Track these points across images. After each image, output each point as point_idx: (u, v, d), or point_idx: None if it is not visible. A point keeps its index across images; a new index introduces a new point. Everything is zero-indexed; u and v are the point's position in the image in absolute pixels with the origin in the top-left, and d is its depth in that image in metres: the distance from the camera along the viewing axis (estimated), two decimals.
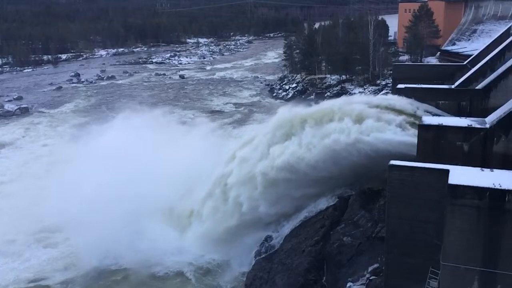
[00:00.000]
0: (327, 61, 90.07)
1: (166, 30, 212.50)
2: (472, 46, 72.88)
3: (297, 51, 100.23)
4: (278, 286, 28.49)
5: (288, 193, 32.47)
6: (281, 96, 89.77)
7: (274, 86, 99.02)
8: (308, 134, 31.43)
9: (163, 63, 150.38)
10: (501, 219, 16.12)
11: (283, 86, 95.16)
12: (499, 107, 22.53)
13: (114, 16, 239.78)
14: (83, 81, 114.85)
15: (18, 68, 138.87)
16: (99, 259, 33.91)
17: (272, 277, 29.50)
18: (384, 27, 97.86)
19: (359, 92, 74.50)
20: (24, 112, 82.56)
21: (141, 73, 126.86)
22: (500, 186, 16.12)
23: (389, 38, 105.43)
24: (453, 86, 30.96)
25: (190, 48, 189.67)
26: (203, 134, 50.70)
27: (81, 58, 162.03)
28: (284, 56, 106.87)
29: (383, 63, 78.96)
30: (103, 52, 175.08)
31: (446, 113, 28.21)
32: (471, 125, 21.17)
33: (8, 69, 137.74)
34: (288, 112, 34.71)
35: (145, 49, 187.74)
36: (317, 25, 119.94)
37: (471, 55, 39.46)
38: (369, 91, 73.66)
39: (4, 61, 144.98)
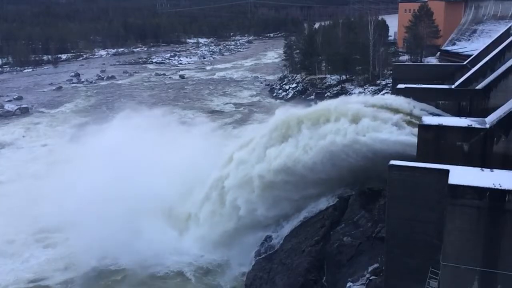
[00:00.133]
0: (327, 61, 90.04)
1: (166, 30, 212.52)
2: (472, 46, 72.86)
3: (297, 51, 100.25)
4: (278, 286, 28.47)
5: (286, 196, 32.19)
6: (281, 96, 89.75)
7: (274, 86, 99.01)
8: (305, 135, 31.14)
9: (163, 63, 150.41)
10: (501, 219, 16.10)
11: (283, 86, 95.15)
12: (499, 107, 22.50)
13: (114, 16, 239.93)
14: (83, 81, 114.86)
15: (18, 68, 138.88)
16: (99, 259, 33.90)
17: (272, 277, 29.48)
18: (384, 27, 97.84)
19: (359, 92, 74.37)
20: (24, 112, 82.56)
21: (141, 73, 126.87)
22: (500, 186, 16.11)
23: (389, 38, 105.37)
24: (453, 86, 30.93)
25: (190, 48, 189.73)
26: (203, 133, 50.76)
27: (81, 58, 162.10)
28: (284, 56, 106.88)
29: (383, 63, 78.93)
30: (103, 52, 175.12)
31: (446, 113, 28.18)
32: (471, 125, 21.15)
33: (8, 69, 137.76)
34: (285, 113, 34.49)
35: (145, 49, 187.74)
36: (317, 25, 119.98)
37: (471, 55, 39.43)
38: (369, 91, 73.60)
39: (4, 61, 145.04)
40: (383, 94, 56.05)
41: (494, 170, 18.06)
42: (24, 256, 35.68)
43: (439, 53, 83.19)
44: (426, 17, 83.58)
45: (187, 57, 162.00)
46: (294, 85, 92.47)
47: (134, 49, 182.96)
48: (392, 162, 19.18)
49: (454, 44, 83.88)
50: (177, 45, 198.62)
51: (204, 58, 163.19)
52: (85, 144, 48.43)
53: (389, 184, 19.33)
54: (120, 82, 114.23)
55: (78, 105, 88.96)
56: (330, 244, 28.33)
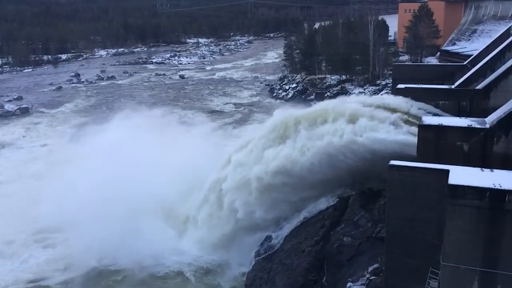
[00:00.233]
0: (327, 61, 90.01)
1: (166, 30, 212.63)
2: (472, 46, 72.84)
3: (297, 51, 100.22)
4: (278, 286, 28.45)
5: (285, 198, 31.89)
6: (281, 96, 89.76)
7: (274, 86, 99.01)
8: (302, 136, 30.79)
9: (163, 63, 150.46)
10: (501, 219, 16.08)
11: (283, 86, 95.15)
12: (499, 107, 22.47)
13: (114, 16, 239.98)
14: (83, 81, 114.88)
15: (18, 68, 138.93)
16: (98, 259, 33.86)
17: (272, 277, 29.46)
18: (384, 27, 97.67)
19: (359, 92, 74.43)
20: (24, 112, 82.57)
21: (141, 73, 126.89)
22: (500, 186, 16.09)
23: (389, 38, 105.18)
24: (453, 86, 30.88)
25: (190, 48, 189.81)
26: (203, 133, 50.77)
27: (81, 58, 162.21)
28: (284, 56, 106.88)
29: (383, 63, 78.88)
30: (103, 52, 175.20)
31: (446, 113, 28.15)
32: (471, 125, 21.13)
33: (8, 69, 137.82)
34: (283, 114, 34.20)
35: (145, 49, 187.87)
36: (317, 25, 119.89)
37: (471, 55, 39.37)
38: (369, 91, 73.63)
39: (4, 61, 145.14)
40: (383, 94, 56.02)
41: (494, 170, 18.04)
42: (24, 257, 35.63)
43: (439, 53, 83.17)
44: (426, 17, 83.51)
45: (187, 57, 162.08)
46: (294, 85, 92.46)
47: (134, 49, 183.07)
48: (392, 162, 19.17)
49: (454, 44, 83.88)
50: (177, 45, 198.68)
51: (204, 58, 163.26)
52: (85, 144, 48.46)
53: (389, 184, 19.31)
54: (120, 82, 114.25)
55: (78, 105, 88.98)
56: (330, 244, 28.29)
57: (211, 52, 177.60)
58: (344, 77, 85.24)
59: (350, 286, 24.46)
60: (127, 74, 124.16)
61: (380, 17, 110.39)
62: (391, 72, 53.29)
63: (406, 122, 27.15)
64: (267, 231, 33.41)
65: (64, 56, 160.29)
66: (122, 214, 34.16)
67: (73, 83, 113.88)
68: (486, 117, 22.07)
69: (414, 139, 23.09)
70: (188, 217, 36.68)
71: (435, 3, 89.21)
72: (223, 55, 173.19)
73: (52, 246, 36.86)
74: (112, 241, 33.61)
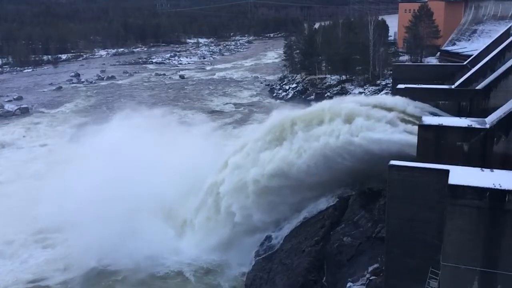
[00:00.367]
0: (327, 61, 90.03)
1: (166, 30, 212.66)
2: (472, 46, 72.89)
3: (297, 51, 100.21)
4: (278, 286, 28.44)
5: (282, 200, 31.63)
6: (281, 96, 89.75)
7: (274, 86, 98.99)
8: (299, 138, 30.45)
9: (163, 63, 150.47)
10: (501, 219, 16.07)
11: (283, 86, 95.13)
12: (499, 107, 22.47)
13: (114, 16, 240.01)
14: (83, 81, 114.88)
15: (18, 68, 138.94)
16: (98, 259, 33.81)
17: (272, 277, 29.45)
18: (384, 27, 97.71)
19: (359, 92, 74.48)
20: (24, 112, 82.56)
21: (141, 73, 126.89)
22: (500, 186, 16.08)
23: (389, 38, 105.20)
24: (453, 86, 30.86)
25: (190, 48, 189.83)
26: (203, 133, 50.73)
27: (81, 58, 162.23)
28: (284, 56, 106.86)
29: (383, 63, 78.92)
30: (103, 52, 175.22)
31: (445, 113, 28.12)
32: (471, 125, 21.12)
33: (8, 69, 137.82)
34: (279, 116, 33.90)
35: (145, 49, 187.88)
36: (317, 25, 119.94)
37: (471, 55, 39.36)
38: (369, 91, 73.67)
39: (4, 61, 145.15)
40: (383, 94, 56.04)
41: (494, 170, 18.04)
42: (23, 257, 35.59)
43: (439, 53, 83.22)
44: (426, 17, 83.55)
45: (187, 57, 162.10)
46: (294, 85, 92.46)
47: (134, 49, 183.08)
48: (392, 162, 19.16)
49: (454, 44, 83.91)
50: (177, 45, 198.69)
51: (204, 58, 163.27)
52: (85, 144, 48.44)
53: (389, 184, 19.30)
54: (120, 82, 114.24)
55: (78, 105, 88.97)
56: (330, 244, 28.29)
57: (211, 52, 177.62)
58: (344, 77, 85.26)
59: (350, 286, 24.45)
60: (127, 74, 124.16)
61: (380, 17, 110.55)
62: (391, 72, 53.27)
63: (403, 120, 27.01)
64: (266, 232, 33.40)
65: (64, 56, 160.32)
66: (122, 214, 34.14)
67: (73, 83, 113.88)
68: (486, 117, 22.07)
69: (411, 138, 23.04)
70: (186, 221, 36.52)
71: (435, 3, 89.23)
72: (223, 55, 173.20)
73: (52, 246, 36.81)
74: (112, 241, 33.56)
